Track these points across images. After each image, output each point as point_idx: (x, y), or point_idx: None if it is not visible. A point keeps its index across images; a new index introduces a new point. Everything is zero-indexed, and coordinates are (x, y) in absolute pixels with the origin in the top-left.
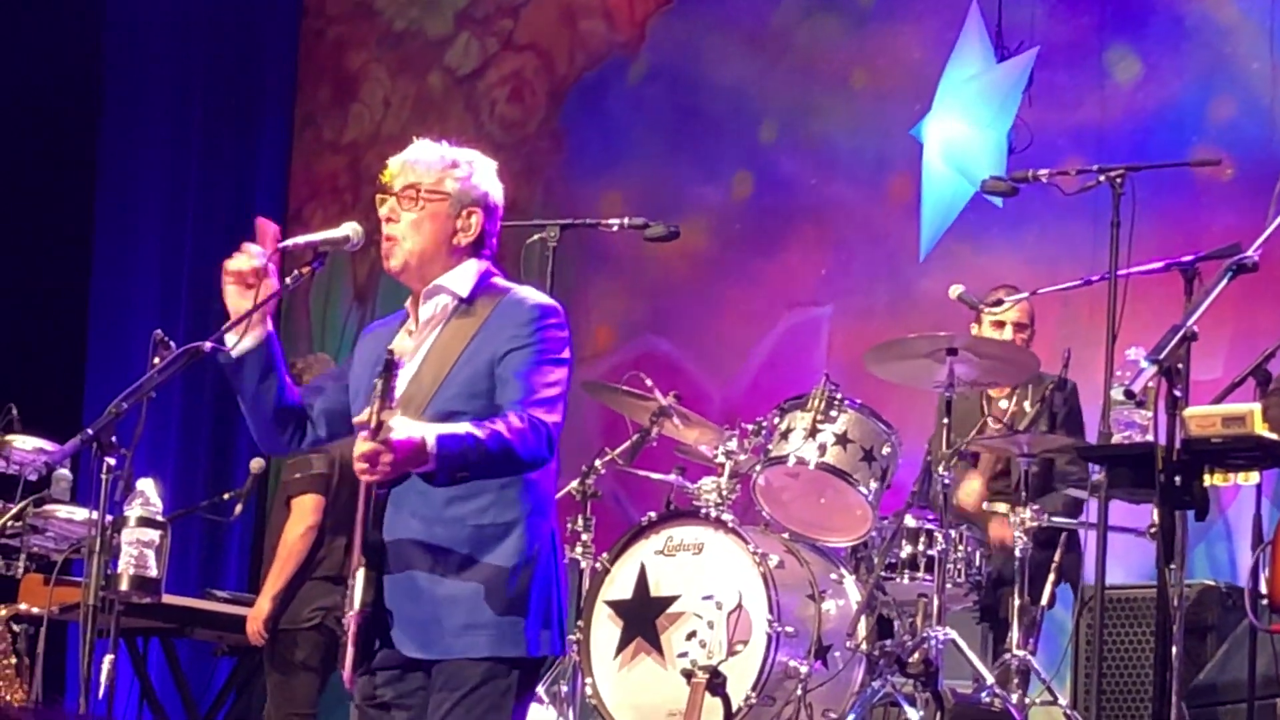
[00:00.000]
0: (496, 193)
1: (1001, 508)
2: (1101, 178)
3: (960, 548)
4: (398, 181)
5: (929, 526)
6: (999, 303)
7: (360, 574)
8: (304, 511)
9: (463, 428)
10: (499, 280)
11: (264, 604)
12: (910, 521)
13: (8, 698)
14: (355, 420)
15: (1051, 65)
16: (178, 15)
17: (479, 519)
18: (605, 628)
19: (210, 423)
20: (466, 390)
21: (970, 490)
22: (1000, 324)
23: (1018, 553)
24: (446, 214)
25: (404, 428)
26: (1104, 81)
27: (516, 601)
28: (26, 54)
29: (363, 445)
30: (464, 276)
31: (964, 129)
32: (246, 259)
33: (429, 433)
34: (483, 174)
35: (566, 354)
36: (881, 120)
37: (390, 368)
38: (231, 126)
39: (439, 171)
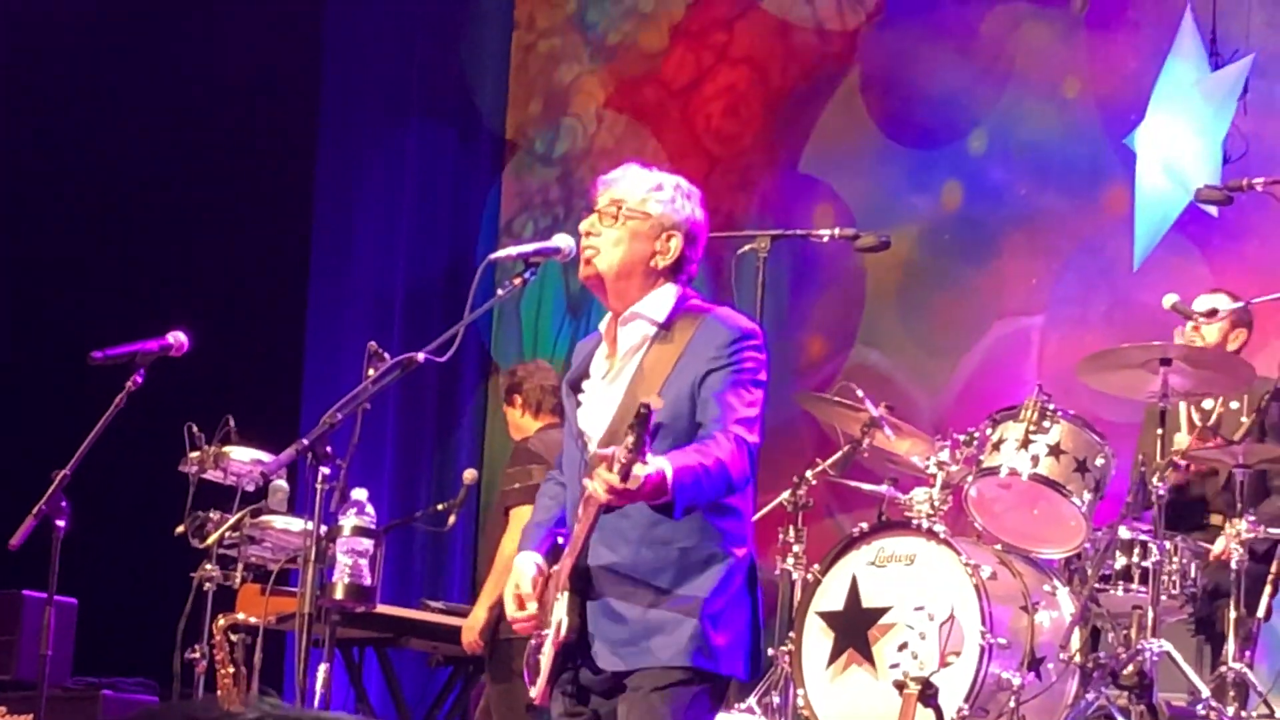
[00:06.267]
0: (699, 219)
1: (1217, 520)
2: None
3: (1175, 559)
4: (602, 198)
5: (1143, 538)
6: (1214, 313)
7: (565, 598)
8: (522, 522)
9: (691, 458)
10: (697, 302)
11: (480, 614)
12: (1124, 533)
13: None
14: (595, 452)
15: (1268, 73)
16: (393, 34)
17: (685, 542)
18: (817, 639)
19: (430, 433)
20: (671, 411)
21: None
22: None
23: (1234, 564)
24: (646, 234)
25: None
26: None
27: (715, 622)
28: (244, 74)
29: (607, 480)
30: (661, 302)
31: (1178, 138)
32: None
33: (666, 466)
34: (686, 200)
35: (763, 376)
36: (1095, 129)
37: (644, 420)
38: (444, 140)
39: (643, 192)
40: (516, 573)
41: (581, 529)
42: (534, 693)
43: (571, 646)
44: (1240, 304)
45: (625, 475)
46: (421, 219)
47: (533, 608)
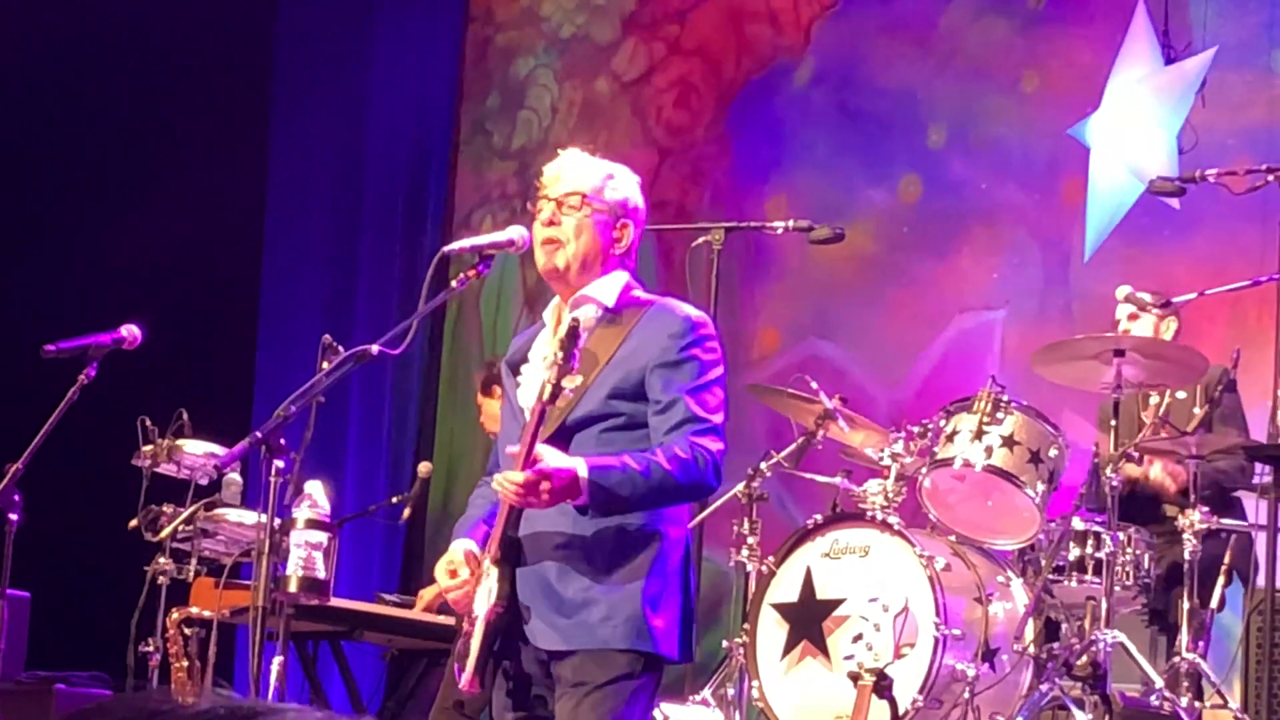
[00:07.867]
0: (643, 207)
1: (1171, 512)
2: (1270, 177)
3: (1129, 550)
4: (557, 188)
5: (1097, 529)
6: (1167, 304)
7: (494, 569)
8: None
9: (617, 459)
10: (640, 293)
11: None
12: (1078, 524)
13: None
14: (507, 450)
15: (1220, 65)
16: (346, 22)
17: (624, 521)
18: (771, 630)
19: (388, 426)
20: (612, 393)
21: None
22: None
23: (1186, 555)
24: (605, 223)
25: (555, 458)
26: (1273, 81)
27: (654, 605)
28: (196, 56)
29: (517, 475)
30: (610, 287)
31: (1132, 130)
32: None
33: (580, 465)
34: (633, 187)
35: (721, 369)
36: (1053, 123)
37: (573, 333)
38: (399, 132)
39: (598, 181)
40: (450, 551)
41: (504, 506)
42: (462, 681)
43: (502, 620)
44: (1194, 295)
45: (554, 397)
46: (378, 211)
47: (465, 574)
